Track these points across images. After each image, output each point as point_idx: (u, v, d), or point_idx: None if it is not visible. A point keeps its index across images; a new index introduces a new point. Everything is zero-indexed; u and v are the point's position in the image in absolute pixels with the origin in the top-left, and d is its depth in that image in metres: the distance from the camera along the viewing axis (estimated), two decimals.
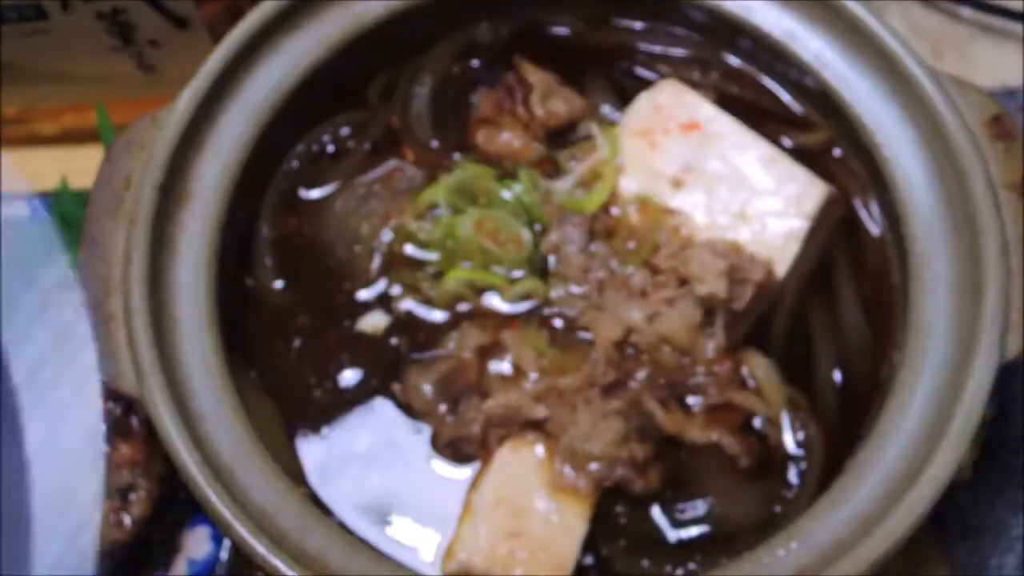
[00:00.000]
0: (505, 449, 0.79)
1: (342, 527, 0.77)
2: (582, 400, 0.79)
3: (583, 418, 0.77)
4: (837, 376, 0.84)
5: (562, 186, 0.88)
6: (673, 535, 0.78)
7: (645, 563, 0.77)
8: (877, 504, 0.72)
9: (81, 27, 0.99)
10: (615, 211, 0.88)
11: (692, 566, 0.77)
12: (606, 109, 0.93)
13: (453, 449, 0.80)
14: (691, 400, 0.81)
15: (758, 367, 0.82)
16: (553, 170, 0.90)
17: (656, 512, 0.79)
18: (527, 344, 0.82)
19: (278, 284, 0.87)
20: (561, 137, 0.92)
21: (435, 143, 0.92)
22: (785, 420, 0.81)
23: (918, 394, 0.76)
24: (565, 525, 0.77)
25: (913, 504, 0.71)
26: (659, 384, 0.81)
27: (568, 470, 0.77)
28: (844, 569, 0.70)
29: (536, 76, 0.93)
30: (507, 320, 0.84)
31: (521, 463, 0.79)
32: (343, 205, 0.89)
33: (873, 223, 0.89)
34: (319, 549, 0.73)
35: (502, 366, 0.82)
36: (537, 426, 0.79)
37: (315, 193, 0.91)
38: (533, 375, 0.81)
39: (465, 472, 0.80)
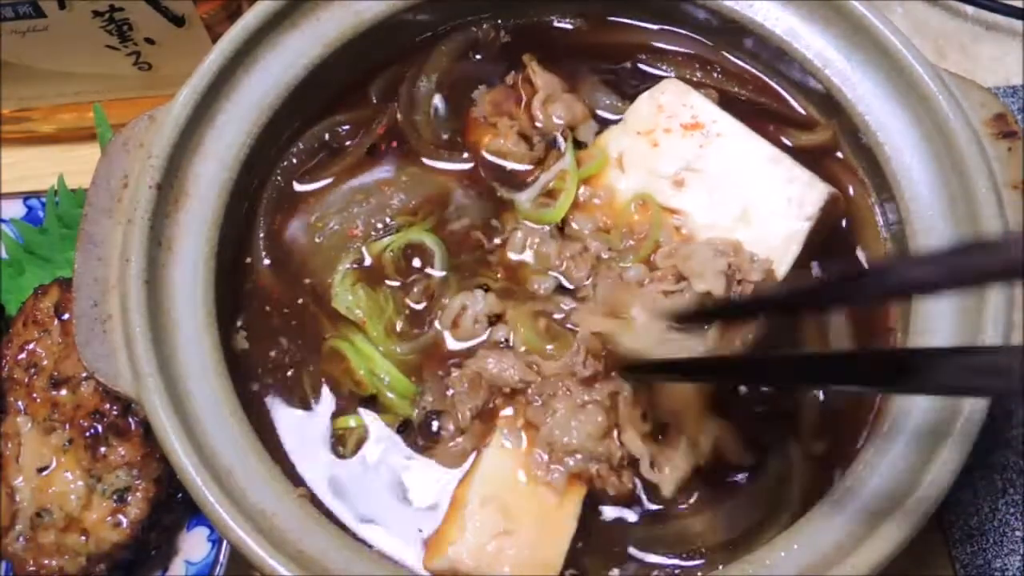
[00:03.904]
0: (493, 446, 0.79)
1: (341, 528, 0.76)
2: (562, 389, 0.78)
3: (561, 407, 0.77)
4: None
5: (524, 197, 0.88)
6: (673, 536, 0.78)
7: (645, 564, 0.77)
8: (880, 505, 0.72)
9: (78, 25, 0.99)
10: (596, 200, 0.88)
11: (693, 568, 0.76)
12: (606, 109, 0.93)
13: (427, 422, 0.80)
14: None
15: None
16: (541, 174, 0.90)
17: (652, 512, 0.78)
18: (524, 325, 0.82)
19: (275, 284, 0.87)
20: (555, 141, 0.91)
21: (436, 143, 0.91)
22: None
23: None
24: (554, 525, 0.76)
25: (916, 505, 0.70)
26: None
27: (543, 458, 0.77)
28: (846, 570, 0.69)
29: (543, 79, 0.92)
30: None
31: (510, 461, 0.78)
32: (329, 201, 0.89)
33: (874, 222, 0.89)
34: (318, 550, 0.72)
35: (498, 334, 0.83)
36: (516, 400, 0.79)
37: (309, 187, 0.90)
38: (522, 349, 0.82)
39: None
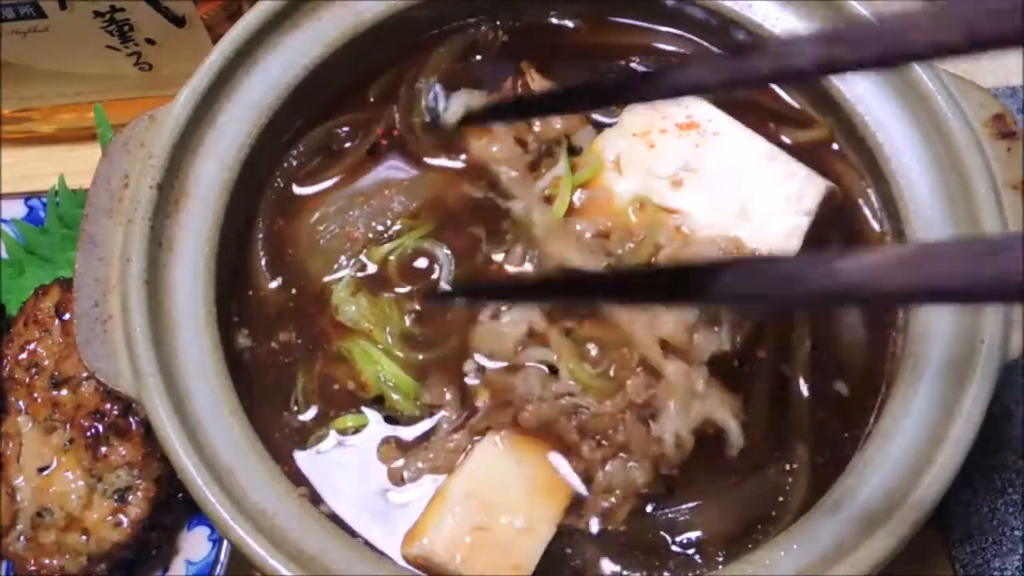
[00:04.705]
0: (484, 443, 0.79)
1: (342, 527, 0.76)
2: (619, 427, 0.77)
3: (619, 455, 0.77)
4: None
5: (520, 205, 0.88)
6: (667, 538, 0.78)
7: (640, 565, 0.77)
8: (879, 504, 0.72)
9: (79, 25, 0.99)
10: (594, 203, 0.87)
11: (691, 568, 0.76)
12: (602, 113, 0.92)
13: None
14: None
15: None
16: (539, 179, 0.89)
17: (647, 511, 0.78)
18: (569, 354, 0.80)
19: (274, 284, 0.87)
20: (550, 149, 0.91)
21: (434, 145, 0.91)
22: None
23: (920, 393, 0.76)
24: (533, 527, 0.76)
25: (915, 505, 0.70)
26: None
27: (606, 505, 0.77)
28: (846, 570, 0.69)
29: (540, 86, 0.92)
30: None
31: (500, 457, 0.78)
32: (328, 207, 0.89)
33: (874, 221, 0.89)
34: (319, 550, 0.72)
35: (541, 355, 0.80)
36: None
37: (309, 190, 0.90)
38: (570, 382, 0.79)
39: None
